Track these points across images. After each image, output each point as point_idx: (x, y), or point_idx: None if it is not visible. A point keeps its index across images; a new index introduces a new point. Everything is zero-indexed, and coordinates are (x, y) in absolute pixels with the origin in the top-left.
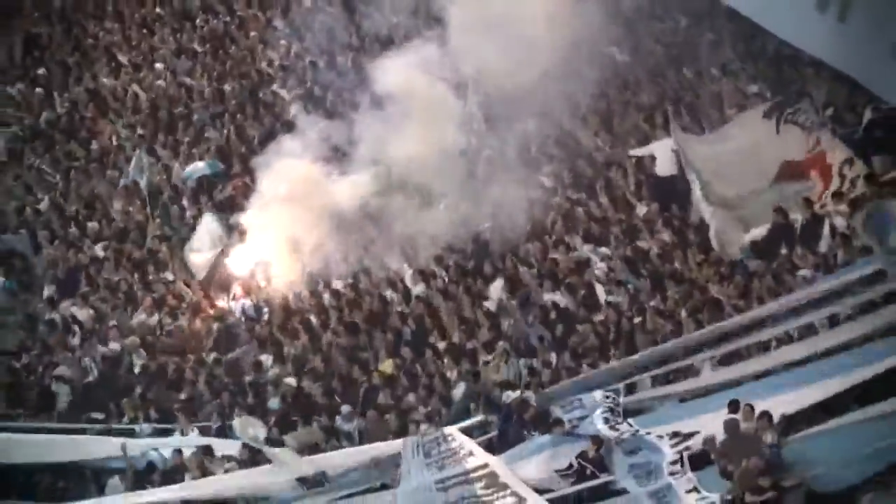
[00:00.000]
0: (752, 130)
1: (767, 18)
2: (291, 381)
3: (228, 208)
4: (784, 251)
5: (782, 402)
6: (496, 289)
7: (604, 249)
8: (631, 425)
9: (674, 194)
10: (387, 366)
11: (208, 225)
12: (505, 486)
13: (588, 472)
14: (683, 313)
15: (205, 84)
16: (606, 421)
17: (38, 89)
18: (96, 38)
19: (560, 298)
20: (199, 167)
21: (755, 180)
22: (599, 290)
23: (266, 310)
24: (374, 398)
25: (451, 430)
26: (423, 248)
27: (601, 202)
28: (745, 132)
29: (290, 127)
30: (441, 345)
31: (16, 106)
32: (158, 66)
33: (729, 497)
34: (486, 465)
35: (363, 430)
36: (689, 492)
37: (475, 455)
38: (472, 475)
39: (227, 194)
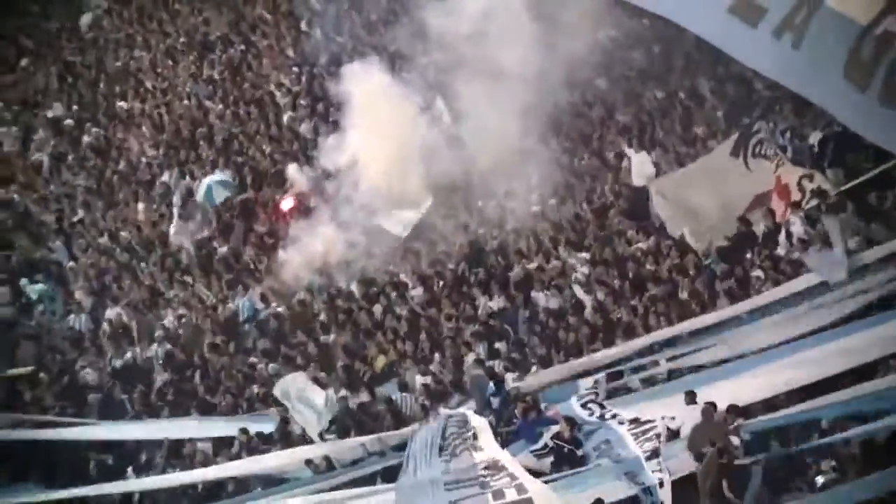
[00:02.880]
0: (722, 167)
1: (730, 46)
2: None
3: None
4: (748, 255)
5: (734, 391)
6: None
7: (583, 254)
8: (604, 407)
9: (647, 203)
10: (379, 361)
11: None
12: (504, 469)
13: (565, 450)
14: (657, 311)
15: (222, 107)
16: (584, 405)
17: (75, 106)
18: (126, 66)
19: (546, 300)
20: (217, 188)
21: (726, 210)
22: (579, 291)
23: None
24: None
25: (467, 412)
26: (424, 254)
27: (582, 212)
28: (716, 170)
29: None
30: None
31: (54, 128)
32: (181, 90)
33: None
34: (491, 455)
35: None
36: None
37: (487, 447)
38: (479, 464)
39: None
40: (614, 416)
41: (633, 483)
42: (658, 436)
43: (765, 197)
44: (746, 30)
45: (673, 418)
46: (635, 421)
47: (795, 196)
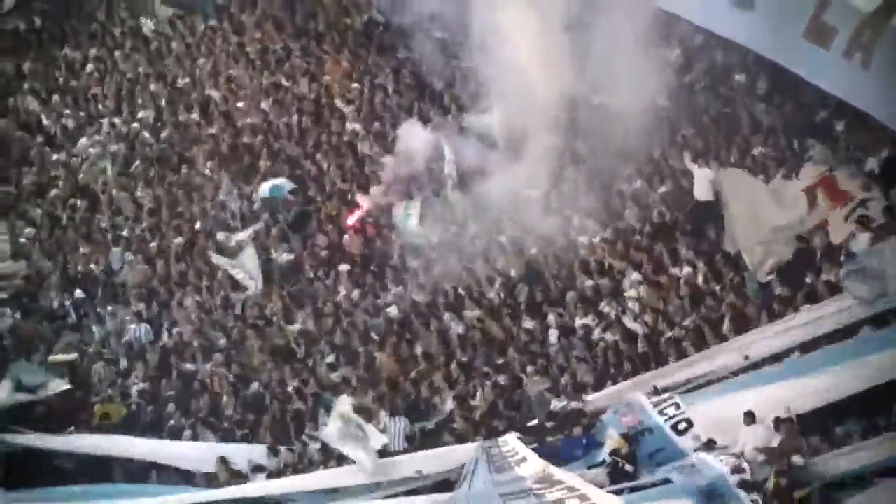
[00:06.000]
0: (779, 190)
1: (807, 70)
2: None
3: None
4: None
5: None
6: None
7: (635, 275)
8: (679, 406)
9: (709, 218)
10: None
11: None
12: (560, 482)
13: (620, 465)
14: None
15: (284, 118)
16: (658, 410)
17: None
18: (192, 77)
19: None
20: (275, 187)
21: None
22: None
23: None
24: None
25: (507, 436)
26: (480, 270)
27: (638, 229)
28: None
29: None
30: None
31: (116, 135)
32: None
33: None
34: (541, 468)
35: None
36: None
37: (528, 459)
38: (528, 477)
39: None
40: (689, 426)
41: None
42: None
43: (810, 191)
44: (820, 53)
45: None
46: (710, 444)
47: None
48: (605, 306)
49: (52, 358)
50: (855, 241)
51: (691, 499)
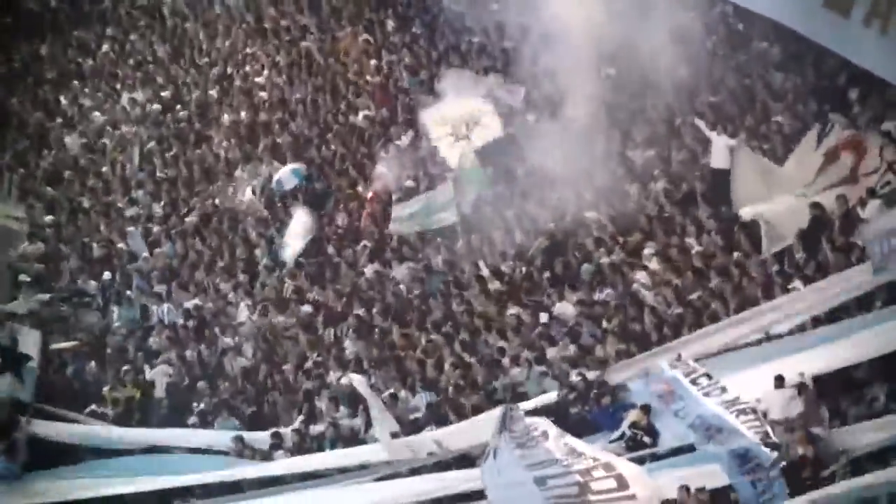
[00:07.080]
0: (803, 161)
1: (828, 39)
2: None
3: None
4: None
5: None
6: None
7: (651, 243)
8: (710, 377)
9: (726, 187)
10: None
11: (301, 218)
12: (583, 453)
13: (639, 437)
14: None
15: (301, 95)
16: (689, 377)
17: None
18: (209, 55)
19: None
20: (286, 176)
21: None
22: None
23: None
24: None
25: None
26: (498, 243)
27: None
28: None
29: None
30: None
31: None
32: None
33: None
34: (561, 440)
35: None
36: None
37: (549, 433)
38: (553, 450)
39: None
40: (723, 390)
41: (741, 467)
42: (756, 412)
43: (833, 152)
44: (840, 21)
45: (758, 400)
46: (733, 401)
47: (872, 166)
48: (620, 280)
49: (55, 345)
50: (865, 209)
51: (718, 464)
